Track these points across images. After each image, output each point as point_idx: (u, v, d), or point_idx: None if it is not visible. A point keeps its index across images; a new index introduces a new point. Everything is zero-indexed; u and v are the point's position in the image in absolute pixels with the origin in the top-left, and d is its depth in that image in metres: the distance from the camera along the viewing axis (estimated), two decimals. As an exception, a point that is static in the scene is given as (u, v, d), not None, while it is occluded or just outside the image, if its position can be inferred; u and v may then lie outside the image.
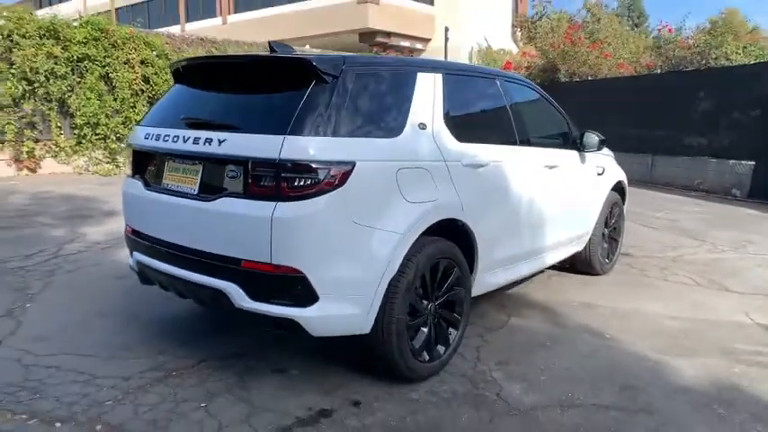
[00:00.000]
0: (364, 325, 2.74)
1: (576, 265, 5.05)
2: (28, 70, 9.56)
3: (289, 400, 2.83)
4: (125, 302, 4.14)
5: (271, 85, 2.80)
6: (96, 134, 10.67)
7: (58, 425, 2.58)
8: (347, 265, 2.62)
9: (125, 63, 10.90)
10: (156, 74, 11.32)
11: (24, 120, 9.91)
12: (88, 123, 10.48)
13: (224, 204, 2.64)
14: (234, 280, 2.63)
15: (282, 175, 2.50)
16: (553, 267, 5.15)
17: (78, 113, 10.35)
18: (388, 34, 24.77)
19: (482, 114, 3.71)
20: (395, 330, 2.80)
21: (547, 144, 4.21)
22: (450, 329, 3.22)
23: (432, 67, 3.27)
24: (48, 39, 9.86)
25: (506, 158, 3.58)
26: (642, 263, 5.65)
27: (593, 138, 4.45)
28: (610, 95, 13.16)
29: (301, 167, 2.50)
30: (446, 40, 18.52)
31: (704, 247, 6.40)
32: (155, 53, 11.25)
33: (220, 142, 2.67)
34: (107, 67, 10.64)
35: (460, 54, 23.08)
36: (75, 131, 10.49)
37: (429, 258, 2.94)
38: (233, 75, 3.00)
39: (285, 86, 2.73)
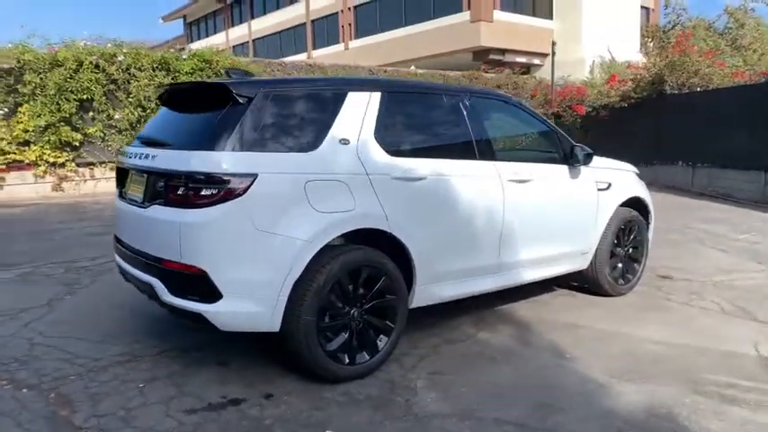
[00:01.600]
0: (272, 323, 2.98)
1: (588, 285, 4.86)
2: (142, 98, 11.01)
3: (212, 389, 3.15)
4: (142, 297, 4.73)
5: (202, 106, 3.19)
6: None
7: (24, 390, 3.12)
8: (249, 266, 2.90)
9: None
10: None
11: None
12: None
13: (154, 211, 3.05)
14: (159, 277, 3.03)
15: (190, 185, 2.86)
16: (568, 287, 5.01)
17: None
18: (503, 51, 24.69)
19: (429, 130, 3.78)
20: (302, 331, 3.01)
21: (522, 158, 4.16)
22: (382, 336, 3.35)
23: (370, 86, 3.47)
24: (159, 70, 11.28)
25: (456, 172, 3.64)
26: (675, 286, 5.24)
27: (579, 152, 4.30)
28: (718, 108, 12.08)
29: (205, 179, 2.84)
30: (552, 54, 18.04)
31: (765, 273, 5.75)
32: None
33: (153, 157, 3.09)
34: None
35: (584, 68, 22.35)
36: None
37: (345, 265, 3.13)
38: (183, 98, 3.45)
39: (210, 108, 3.10)
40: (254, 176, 2.88)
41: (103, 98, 10.72)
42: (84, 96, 10.47)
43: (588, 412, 2.95)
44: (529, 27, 24.84)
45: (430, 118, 3.77)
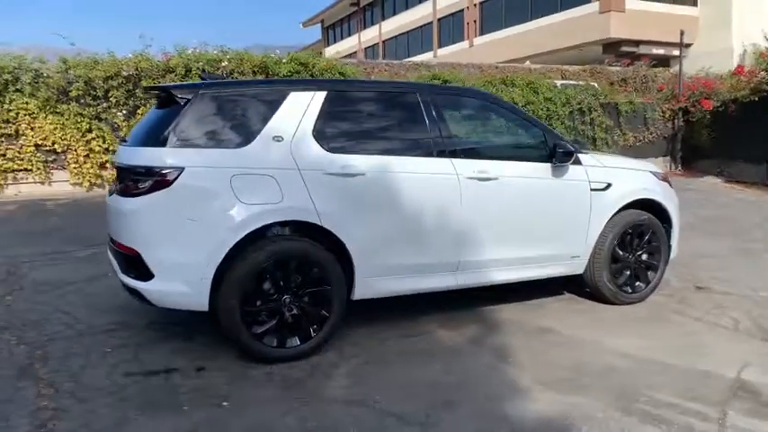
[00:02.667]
0: (199, 303, 3.30)
1: (591, 291, 4.60)
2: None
3: (162, 358, 3.54)
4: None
5: (159, 106, 3.58)
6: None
7: (22, 346, 3.75)
8: (174, 250, 3.24)
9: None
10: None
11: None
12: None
13: (114, 200, 3.51)
14: (115, 257, 3.49)
15: (131, 177, 3.27)
16: (579, 292, 4.77)
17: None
18: (636, 42, 23.10)
19: (377, 128, 3.83)
20: (226, 313, 3.29)
21: (492, 156, 4.06)
22: (317, 324, 3.52)
23: (314, 86, 3.65)
24: (259, 74, 12.19)
25: (401, 169, 3.68)
26: (704, 298, 4.75)
27: (560, 150, 4.09)
28: None
29: (142, 171, 3.23)
30: (681, 44, 16.46)
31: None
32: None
33: (117, 153, 3.55)
34: (306, 95, 12.60)
35: (731, 58, 20.23)
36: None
37: (273, 254, 3.35)
38: (156, 99, 3.87)
39: (162, 107, 3.48)
40: (181, 170, 3.21)
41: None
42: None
43: (481, 413, 2.90)
44: (668, 15, 22.89)
45: (380, 116, 3.85)
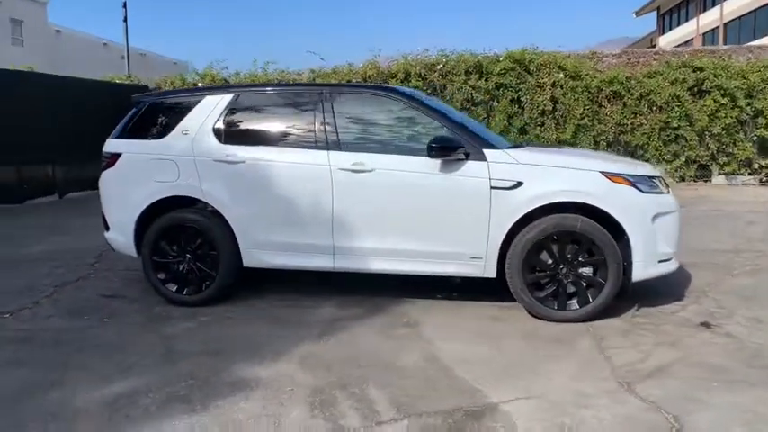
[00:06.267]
0: (131, 250, 4.58)
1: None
2: (460, 100, 12.67)
3: (132, 286, 4.96)
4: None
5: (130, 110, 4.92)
6: (505, 148, 12.85)
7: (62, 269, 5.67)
8: (116, 211, 4.61)
9: (538, 87, 12.59)
10: (564, 94, 12.46)
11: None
12: (497, 139, 12.82)
13: None
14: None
15: (102, 158, 4.73)
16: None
17: (491, 131, 12.85)
18: None
19: (267, 123, 4.44)
20: (144, 260, 4.49)
21: (377, 150, 4.18)
22: (209, 281, 4.43)
23: (225, 91, 4.52)
24: (473, 74, 12.77)
25: (278, 159, 4.24)
26: (680, 337, 3.80)
27: (434, 144, 3.93)
28: None
29: (104, 155, 4.67)
30: None
31: None
32: (563, 75, 12.38)
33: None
34: (519, 92, 12.63)
35: None
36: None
37: (171, 220, 4.41)
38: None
39: (129, 110, 4.84)
40: (119, 155, 4.54)
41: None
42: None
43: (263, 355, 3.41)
44: None
45: (274, 114, 4.47)
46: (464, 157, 4.05)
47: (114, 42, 35.41)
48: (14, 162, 10.46)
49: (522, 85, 12.63)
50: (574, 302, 4.02)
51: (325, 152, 4.23)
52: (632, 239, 3.93)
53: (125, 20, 25.51)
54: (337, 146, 4.24)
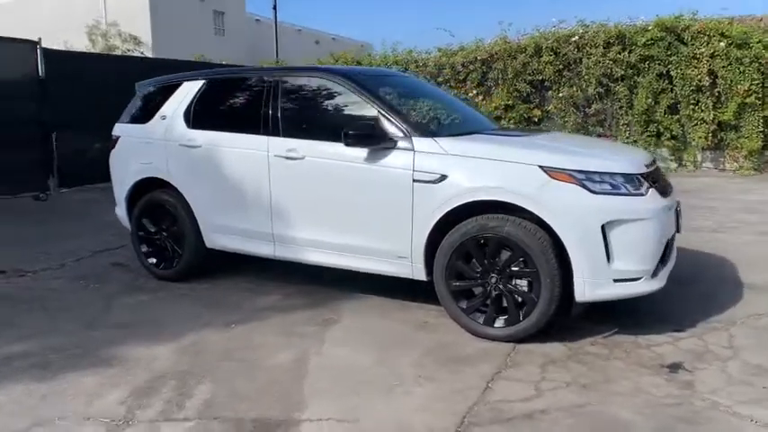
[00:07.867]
0: (127, 223, 5.02)
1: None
2: (598, 75, 11.28)
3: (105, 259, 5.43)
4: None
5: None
6: (648, 131, 11.20)
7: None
8: (117, 188, 5.04)
9: (692, 58, 10.69)
10: (725, 67, 10.40)
11: (594, 117, 11.87)
12: (639, 121, 11.21)
13: None
14: None
15: (111, 140, 5.22)
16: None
17: (632, 111, 11.27)
18: None
19: (227, 108, 4.48)
20: (135, 238, 4.90)
21: (311, 136, 3.94)
22: (177, 258, 4.68)
23: (199, 76, 4.62)
24: (615, 45, 11.26)
25: (227, 144, 4.24)
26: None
27: (350, 131, 3.55)
28: None
29: (113, 137, 5.15)
30: None
31: None
32: (724, 44, 10.32)
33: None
34: (669, 65, 10.84)
35: None
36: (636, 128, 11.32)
37: (149, 200, 4.73)
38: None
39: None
40: (119, 137, 4.97)
41: (556, 77, 11.86)
42: (539, 78, 11.95)
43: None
44: None
45: (233, 99, 4.47)
46: (392, 145, 3.66)
47: (307, 28, 38.44)
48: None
49: (672, 57, 10.80)
50: (501, 320, 3.41)
51: (265, 138, 4.14)
52: (570, 250, 3.19)
53: (274, 8, 27.34)
54: (277, 131, 4.11)
